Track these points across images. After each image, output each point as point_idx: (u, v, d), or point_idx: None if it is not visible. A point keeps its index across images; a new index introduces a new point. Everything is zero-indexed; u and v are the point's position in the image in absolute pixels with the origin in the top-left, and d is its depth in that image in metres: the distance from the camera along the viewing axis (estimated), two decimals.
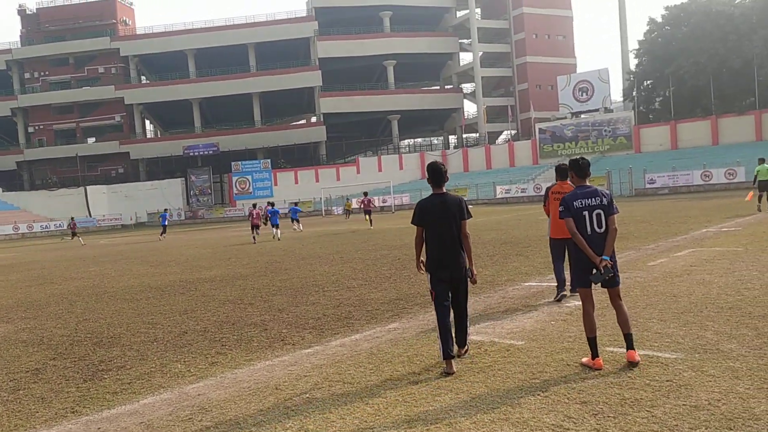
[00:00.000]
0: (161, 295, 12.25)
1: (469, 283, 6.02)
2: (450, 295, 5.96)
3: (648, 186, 47.55)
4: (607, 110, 66.57)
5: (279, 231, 28.32)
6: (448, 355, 5.76)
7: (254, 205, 32.02)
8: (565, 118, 68.02)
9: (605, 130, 65.05)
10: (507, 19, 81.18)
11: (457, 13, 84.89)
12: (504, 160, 71.47)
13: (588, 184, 5.76)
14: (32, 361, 7.50)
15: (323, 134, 78.70)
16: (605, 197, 5.61)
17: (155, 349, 7.59)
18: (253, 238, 27.57)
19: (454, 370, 5.69)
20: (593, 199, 5.59)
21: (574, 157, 5.89)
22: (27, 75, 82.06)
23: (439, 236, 5.92)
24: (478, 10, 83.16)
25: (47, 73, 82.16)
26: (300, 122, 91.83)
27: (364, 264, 14.93)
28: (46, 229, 64.56)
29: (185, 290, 12.64)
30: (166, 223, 38.27)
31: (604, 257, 5.47)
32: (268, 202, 32.61)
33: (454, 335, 5.96)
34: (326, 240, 24.40)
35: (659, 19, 66.70)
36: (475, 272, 6.03)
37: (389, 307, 9.19)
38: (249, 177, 74.76)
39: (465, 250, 5.95)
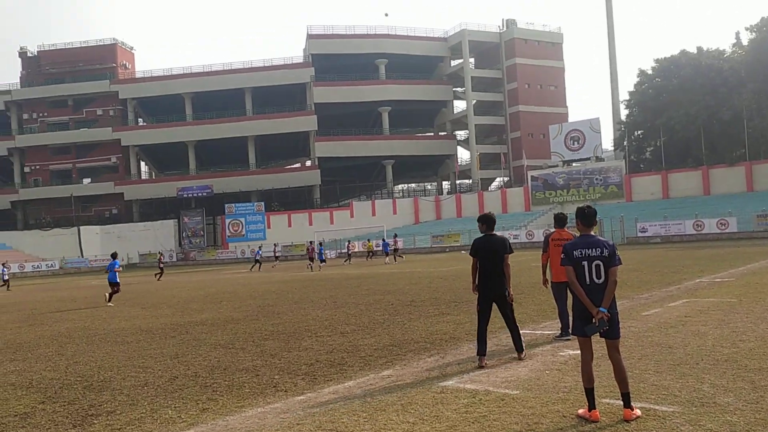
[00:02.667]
0: (152, 338, 12.12)
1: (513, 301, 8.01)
2: (491, 309, 8.04)
3: (640, 235, 47.67)
4: (599, 159, 67.38)
5: (321, 265, 38.57)
6: (481, 353, 7.86)
7: (311, 242, 41.66)
8: (557, 166, 68.76)
9: (596, 179, 65.70)
10: (500, 69, 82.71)
11: (452, 62, 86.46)
12: (497, 207, 71.82)
13: (593, 233, 5.74)
14: (21, 404, 7.37)
15: (317, 178, 79.10)
16: (607, 248, 5.55)
17: (146, 394, 7.48)
18: (310, 267, 37.11)
19: (485, 364, 7.75)
20: (594, 250, 5.56)
21: (580, 205, 5.89)
22: (26, 116, 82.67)
23: (486, 265, 8.01)
24: (472, 60, 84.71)
25: (46, 114, 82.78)
26: (294, 166, 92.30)
27: (357, 309, 14.85)
28: (38, 269, 64.05)
29: (176, 333, 12.51)
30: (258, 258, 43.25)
31: (601, 309, 5.44)
32: (318, 242, 42.26)
33: (513, 342, 8.15)
34: (318, 284, 24.29)
35: (649, 71, 68.13)
36: (512, 293, 8.08)
37: (383, 353, 9.12)
38: (242, 219, 74.66)
39: (506, 275, 7.98)
